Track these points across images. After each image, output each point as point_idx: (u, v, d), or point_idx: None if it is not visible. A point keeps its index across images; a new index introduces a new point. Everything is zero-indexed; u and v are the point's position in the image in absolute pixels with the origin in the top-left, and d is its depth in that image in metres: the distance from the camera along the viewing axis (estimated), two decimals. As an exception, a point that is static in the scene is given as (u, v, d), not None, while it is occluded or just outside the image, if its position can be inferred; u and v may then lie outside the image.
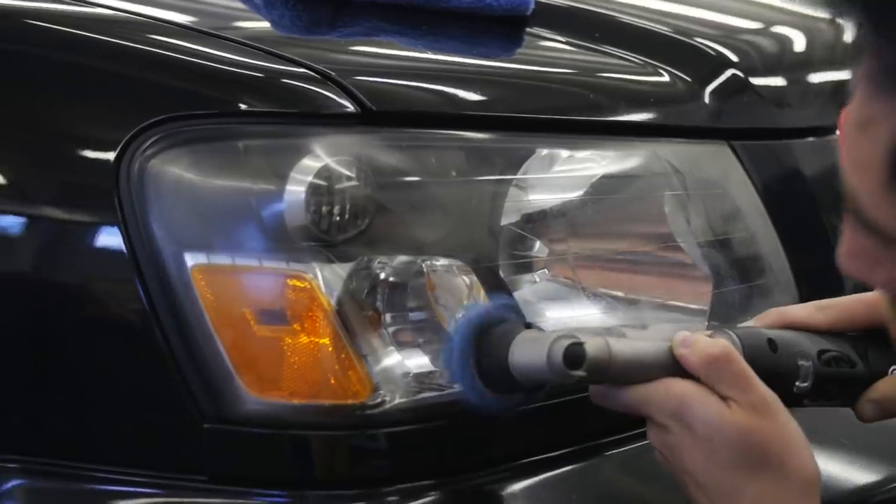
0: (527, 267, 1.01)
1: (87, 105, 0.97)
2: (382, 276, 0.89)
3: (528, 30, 1.20)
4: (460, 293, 0.93)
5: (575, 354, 0.79)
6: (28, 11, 1.07)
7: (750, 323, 0.92)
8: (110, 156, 0.89)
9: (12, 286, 0.94)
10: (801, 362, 0.85)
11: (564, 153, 1.03)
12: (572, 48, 1.18)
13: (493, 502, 0.93)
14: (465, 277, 0.93)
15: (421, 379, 0.90)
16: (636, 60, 1.15)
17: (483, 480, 0.92)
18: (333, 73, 0.91)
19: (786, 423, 0.80)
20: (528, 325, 0.86)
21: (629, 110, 1.10)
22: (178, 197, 0.88)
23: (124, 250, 0.87)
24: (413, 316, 0.91)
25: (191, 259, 0.87)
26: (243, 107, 0.91)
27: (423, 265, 0.91)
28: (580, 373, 0.78)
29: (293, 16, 1.14)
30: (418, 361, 0.90)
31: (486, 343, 0.82)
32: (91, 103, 0.97)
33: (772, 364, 0.83)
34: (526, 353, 0.80)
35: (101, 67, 0.98)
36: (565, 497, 0.95)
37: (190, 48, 0.97)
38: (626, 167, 1.08)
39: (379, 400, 0.87)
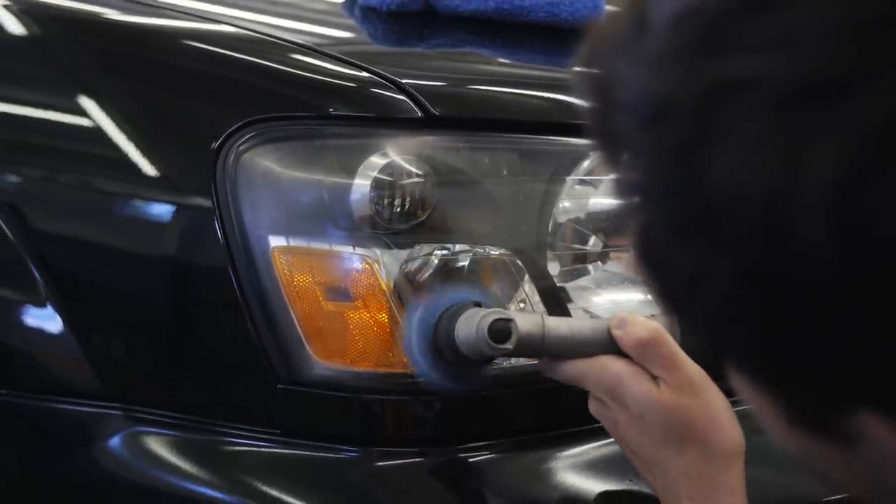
0: (580, 259, 1.11)
1: (201, 104, 1.11)
2: (437, 261, 1.01)
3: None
4: (508, 279, 1.04)
5: (501, 329, 0.86)
6: (172, 29, 1.21)
7: None
8: (212, 148, 1.01)
9: (136, 262, 1.09)
10: None
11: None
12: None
13: (537, 465, 1.02)
14: (513, 266, 1.03)
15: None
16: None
17: (527, 445, 1.02)
18: (403, 81, 1.03)
19: (711, 401, 0.86)
20: (478, 304, 0.92)
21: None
22: (264, 187, 1.00)
23: (219, 232, 1.00)
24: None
25: (273, 241, 0.99)
26: (325, 110, 1.04)
27: (475, 253, 1.02)
28: (506, 346, 0.86)
29: (386, 29, 1.27)
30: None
31: (441, 322, 0.90)
32: (205, 103, 1.10)
33: None
34: (465, 329, 0.88)
35: (217, 74, 1.11)
36: (607, 465, 1.04)
37: (289, 59, 1.09)
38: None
39: (430, 370, 0.98)
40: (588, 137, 0.54)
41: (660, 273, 0.52)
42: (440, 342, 0.90)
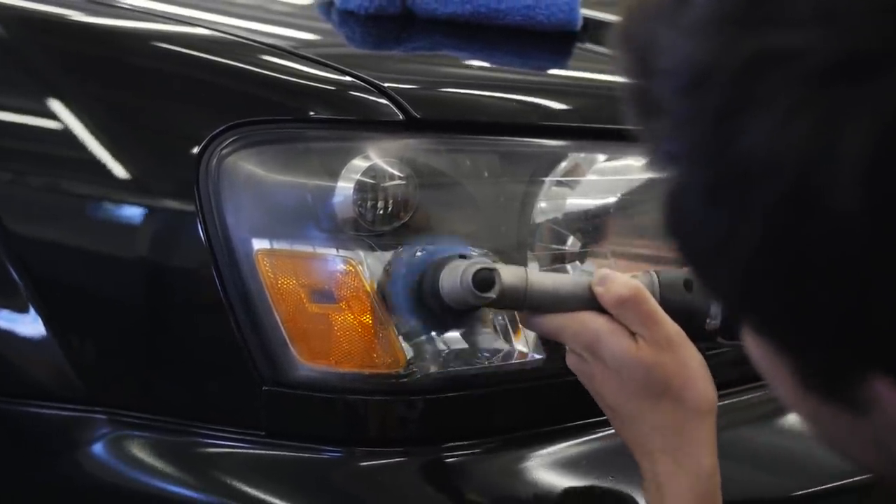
0: (559, 258, 1.12)
1: (181, 108, 1.10)
2: (420, 263, 1.02)
3: (576, 44, 1.30)
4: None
5: (484, 279, 0.87)
6: (146, 31, 1.21)
7: None
8: (194, 153, 1.01)
9: (115, 265, 1.09)
10: (712, 300, 0.91)
11: (600, 158, 1.14)
12: (613, 61, 1.28)
13: (521, 464, 1.04)
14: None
15: (454, 353, 1.02)
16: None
17: (510, 445, 1.03)
18: (384, 85, 1.04)
19: (687, 359, 0.89)
20: (463, 257, 0.94)
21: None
22: (247, 191, 1.01)
23: (202, 235, 1.00)
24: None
25: (257, 244, 0.99)
26: (308, 114, 1.05)
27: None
28: (490, 295, 0.88)
29: (364, 32, 1.28)
30: (451, 338, 1.02)
31: (426, 274, 0.92)
32: (185, 107, 1.10)
33: (686, 302, 0.91)
34: (449, 279, 0.90)
35: (198, 77, 1.11)
36: (591, 463, 1.06)
37: (268, 62, 1.10)
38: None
39: (413, 371, 0.99)
40: (623, 103, 0.55)
41: (688, 236, 0.53)
42: (425, 293, 0.92)
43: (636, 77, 0.54)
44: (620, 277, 0.91)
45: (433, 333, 0.96)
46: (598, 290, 0.90)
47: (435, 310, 0.93)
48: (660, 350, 0.88)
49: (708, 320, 0.92)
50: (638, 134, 0.55)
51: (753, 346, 0.57)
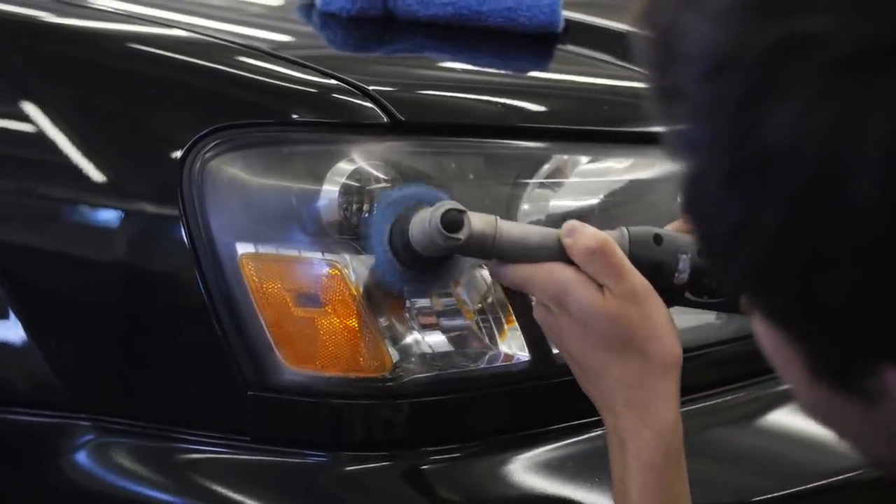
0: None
1: (164, 113, 1.10)
2: (406, 266, 1.01)
3: (557, 46, 1.31)
4: (480, 284, 1.05)
5: (453, 219, 0.87)
6: (124, 33, 1.21)
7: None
8: (177, 156, 1.00)
9: (96, 269, 1.08)
10: (681, 255, 0.91)
11: (584, 160, 1.14)
12: (595, 63, 1.29)
13: (507, 467, 1.04)
14: (482, 268, 1.04)
15: (439, 357, 1.02)
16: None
17: (496, 448, 1.03)
18: (369, 87, 1.03)
19: (653, 313, 0.88)
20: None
21: (644, 121, 1.20)
22: (232, 194, 1.00)
23: (185, 239, 0.99)
24: (435, 302, 1.03)
25: (241, 248, 0.99)
26: (292, 117, 1.04)
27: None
28: (458, 237, 0.87)
29: (346, 34, 1.27)
30: (437, 341, 1.02)
31: (397, 223, 0.92)
32: (166, 110, 1.10)
33: (654, 255, 0.90)
34: (419, 225, 0.89)
35: (176, 80, 1.11)
36: (577, 465, 1.06)
37: (251, 65, 1.10)
38: (641, 173, 1.18)
39: (399, 375, 0.99)
40: (644, 87, 0.55)
41: (706, 222, 0.54)
42: (395, 244, 0.91)
43: (657, 61, 0.54)
44: (589, 229, 0.90)
45: (404, 289, 0.95)
46: (567, 241, 0.90)
47: (406, 261, 0.92)
48: (626, 302, 0.87)
49: (676, 274, 0.91)
50: (656, 118, 0.54)
51: (764, 335, 0.57)
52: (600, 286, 0.88)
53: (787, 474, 1.12)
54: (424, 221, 0.89)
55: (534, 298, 0.94)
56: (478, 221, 0.89)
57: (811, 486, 1.10)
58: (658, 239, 0.91)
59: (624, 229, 0.92)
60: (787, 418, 1.17)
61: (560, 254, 0.90)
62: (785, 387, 1.16)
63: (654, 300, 0.89)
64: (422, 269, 0.93)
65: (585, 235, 0.89)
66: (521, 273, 0.91)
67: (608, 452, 0.89)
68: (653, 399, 0.88)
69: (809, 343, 0.53)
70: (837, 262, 0.48)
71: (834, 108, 0.47)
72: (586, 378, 0.91)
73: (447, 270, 0.94)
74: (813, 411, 0.60)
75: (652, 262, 0.90)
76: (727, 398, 1.16)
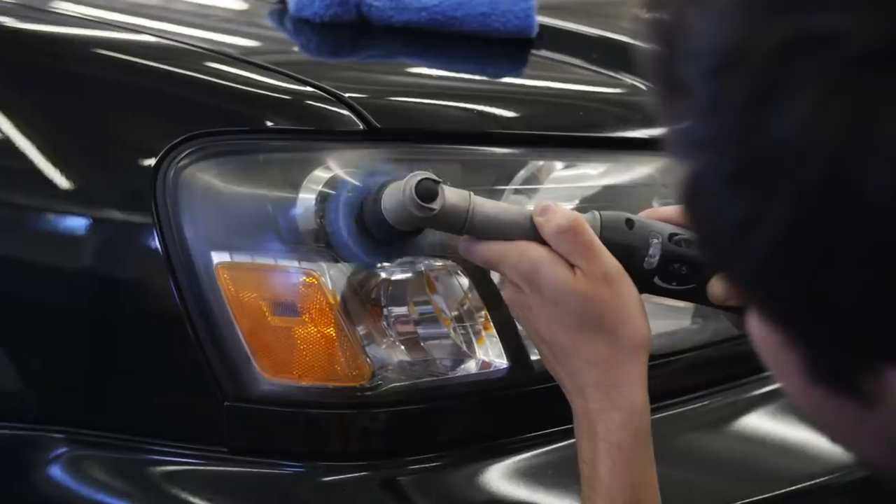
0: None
1: (135, 120, 1.08)
2: (384, 274, 1.01)
3: (531, 51, 1.30)
4: (456, 291, 1.05)
5: (428, 189, 0.87)
6: (90, 38, 1.19)
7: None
8: (150, 165, 0.99)
9: (67, 278, 1.06)
10: (651, 239, 0.91)
11: (559, 165, 1.14)
12: (570, 68, 1.28)
13: (486, 475, 1.03)
14: (457, 275, 1.04)
15: (417, 365, 1.01)
16: (628, 80, 1.25)
17: (475, 456, 1.03)
18: (345, 95, 1.03)
19: (624, 294, 0.88)
20: None
21: (619, 127, 1.20)
22: (206, 203, 0.99)
23: (159, 248, 0.98)
24: (412, 310, 1.03)
25: (216, 257, 0.98)
26: (267, 124, 1.03)
27: (421, 265, 1.03)
28: (433, 207, 0.87)
29: (320, 40, 1.27)
30: (415, 349, 1.01)
31: (367, 200, 0.92)
32: (139, 119, 1.08)
33: (625, 239, 0.90)
34: (392, 195, 0.89)
35: (149, 87, 1.09)
36: (557, 472, 1.05)
37: (224, 71, 1.08)
38: (617, 178, 1.18)
39: (377, 384, 0.98)
40: (648, 83, 0.54)
41: (708, 220, 0.53)
42: (367, 220, 0.91)
43: (661, 56, 0.53)
44: (561, 209, 0.90)
45: (375, 263, 0.95)
46: (539, 220, 0.90)
47: (380, 238, 0.92)
48: (597, 283, 0.87)
49: (646, 259, 0.91)
50: (658, 114, 0.54)
51: (760, 335, 0.56)
52: (572, 266, 0.88)
53: (762, 479, 1.12)
54: (399, 191, 0.88)
55: (497, 276, 0.93)
56: (452, 194, 0.89)
57: (785, 490, 1.10)
58: (630, 223, 0.92)
59: (596, 213, 0.92)
60: (762, 423, 1.18)
61: (532, 233, 0.90)
62: (758, 391, 1.19)
63: (626, 282, 0.89)
64: (392, 243, 0.92)
65: (558, 215, 0.89)
66: (493, 250, 0.91)
67: (576, 436, 0.89)
68: (623, 380, 0.88)
69: (810, 343, 0.53)
70: (848, 260, 0.48)
71: (847, 107, 0.46)
72: (555, 359, 0.90)
73: (419, 244, 0.94)
74: (807, 413, 0.59)
75: (622, 245, 0.90)
76: (701, 403, 1.16)
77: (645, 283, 0.92)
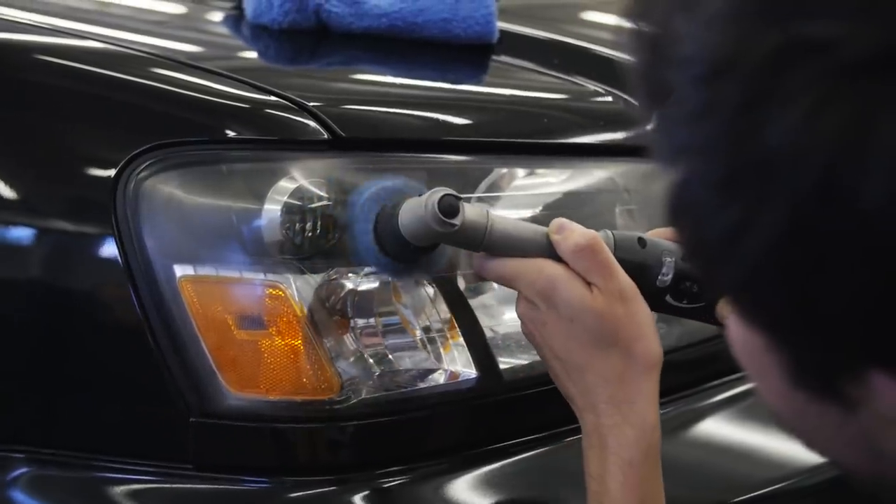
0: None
1: (90, 130, 1.06)
2: (350, 285, 1.00)
3: (492, 57, 1.30)
4: (422, 300, 1.04)
5: (450, 205, 0.87)
6: (39, 46, 1.17)
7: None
8: (109, 176, 0.97)
9: (21, 291, 1.04)
10: (665, 258, 0.92)
11: (521, 172, 1.14)
12: (531, 74, 1.28)
13: (457, 487, 1.02)
14: (424, 285, 1.03)
15: (385, 377, 1.00)
16: (590, 86, 1.25)
17: (446, 467, 1.02)
18: (308, 103, 1.01)
19: (638, 312, 0.89)
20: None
21: (581, 133, 1.20)
22: (168, 215, 0.97)
23: (119, 261, 0.96)
24: (378, 321, 1.02)
25: (179, 270, 0.96)
26: (229, 134, 1.01)
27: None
28: (454, 222, 0.87)
29: (279, 47, 1.25)
30: (383, 360, 1.00)
31: (382, 214, 0.91)
32: (94, 129, 1.06)
33: (639, 257, 0.92)
34: (410, 211, 0.89)
35: (104, 96, 1.07)
36: (528, 482, 1.05)
37: (183, 80, 1.06)
38: (579, 184, 1.18)
39: (346, 396, 0.97)
40: (632, 91, 0.54)
41: (695, 226, 0.52)
42: (381, 233, 0.91)
43: (647, 63, 0.53)
44: (578, 227, 0.91)
45: (390, 277, 0.96)
46: (556, 237, 0.90)
47: (391, 250, 0.91)
48: (613, 301, 0.88)
49: (659, 277, 0.92)
50: (644, 121, 0.53)
51: (741, 340, 0.56)
52: (588, 284, 0.88)
53: (720, 486, 1.12)
54: (419, 206, 0.88)
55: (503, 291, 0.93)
56: (471, 211, 0.89)
57: (745, 497, 1.10)
58: (642, 242, 0.93)
59: (609, 231, 0.93)
60: (720, 429, 1.18)
61: (548, 250, 0.90)
62: (717, 398, 1.19)
63: (639, 300, 0.90)
64: (407, 258, 0.92)
65: (575, 233, 0.90)
66: (509, 267, 0.91)
67: (584, 452, 0.89)
68: (636, 396, 0.88)
69: (795, 348, 0.52)
70: (839, 266, 0.48)
71: (841, 114, 0.46)
72: (567, 375, 0.90)
73: (432, 261, 0.94)
74: (786, 418, 0.59)
75: (636, 263, 0.91)
76: (664, 410, 1.16)
77: (656, 301, 0.92)
